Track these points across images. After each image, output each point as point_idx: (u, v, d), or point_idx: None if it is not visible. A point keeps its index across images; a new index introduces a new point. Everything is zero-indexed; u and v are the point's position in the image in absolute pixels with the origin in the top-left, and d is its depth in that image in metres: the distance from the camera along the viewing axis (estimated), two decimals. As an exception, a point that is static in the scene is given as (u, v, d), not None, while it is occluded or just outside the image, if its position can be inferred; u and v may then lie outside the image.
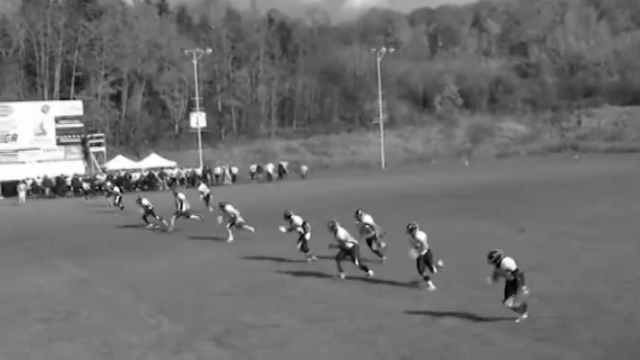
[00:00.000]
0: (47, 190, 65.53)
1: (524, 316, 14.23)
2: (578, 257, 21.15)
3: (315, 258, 21.87)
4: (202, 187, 46.39)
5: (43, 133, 72.52)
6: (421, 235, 17.76)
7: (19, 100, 79.35)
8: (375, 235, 21.63)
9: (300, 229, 22.24)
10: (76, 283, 21.43)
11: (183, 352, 13.71)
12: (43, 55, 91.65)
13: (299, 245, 22.04)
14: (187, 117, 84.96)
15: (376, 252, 21.55)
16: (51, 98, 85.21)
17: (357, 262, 19.35)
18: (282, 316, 15.87)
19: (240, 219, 27.43)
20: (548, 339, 13.14)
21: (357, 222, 21.86)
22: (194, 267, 22.73)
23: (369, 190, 53.27)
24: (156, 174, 69.05)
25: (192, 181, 69.45)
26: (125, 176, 67.84)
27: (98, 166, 72.45)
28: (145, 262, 24.10)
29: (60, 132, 72.92)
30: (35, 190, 65.90)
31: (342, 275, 19.52)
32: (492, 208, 35.32)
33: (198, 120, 79.89)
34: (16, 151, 71.14)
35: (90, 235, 32.95)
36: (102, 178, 67.26)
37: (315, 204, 39.93)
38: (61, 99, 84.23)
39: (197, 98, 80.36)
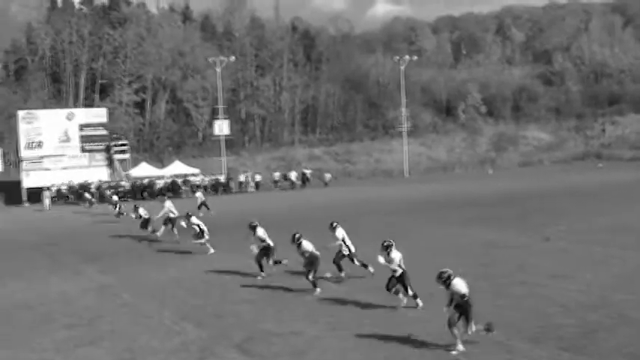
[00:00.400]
0: (71, 197, 65.96)
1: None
2: (602, 266, 21.05)
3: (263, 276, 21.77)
4: (198, 194, 46.75)
5: (68, 140, 72.89)
6: (396, 255, 17.14)
7: (45, 107, 79.87)
8: (347, 253, 21.10)
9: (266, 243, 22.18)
10: (100, 289, 21.55)
11: (206, 359, 13.77)
12: (68, 62, 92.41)
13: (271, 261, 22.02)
14: (211, 124, 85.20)
15: (362, 265, 21.10)
16: (76, 106, 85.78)
17: (310, 277, 19.31)
18: (303, 324, 15.89)
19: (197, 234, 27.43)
20: (572, 348, 13.08)
21: (332, 234, 21.34)
22: (215, 275, 22.79)
23: (393, 198, 53.28)
24: (179, 181, 69.33)
25: (215, 188, 69.76)
26: (149, 183, 68.15)
27: (122, 173, 72.75)
28: (167, 270, 24.20)
29: (84, 139, 73.28)
30: (60, 196, 66.36)
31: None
32: (516, 216, 35.19)
33: (222, 127, 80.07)
34: (42, 157, 71.56)
35: (112, 241, 33.07)
36: (127, 184, 67.77)
37: (337, 211, 39.88)
38: (86, 106, 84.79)
39: (220, 106, 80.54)
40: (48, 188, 64.73)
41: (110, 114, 77.42)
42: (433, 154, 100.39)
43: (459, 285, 13.52)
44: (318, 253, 19.56)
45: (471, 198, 48.62)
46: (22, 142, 71.08)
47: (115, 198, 46.77)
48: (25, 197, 68.51)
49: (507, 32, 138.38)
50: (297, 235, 19.72)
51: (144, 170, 73.47)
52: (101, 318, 17.57)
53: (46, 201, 61.19)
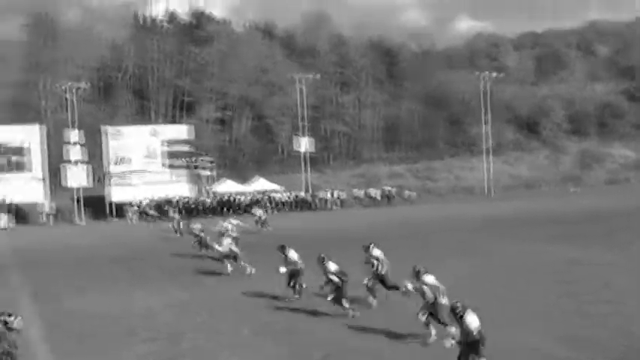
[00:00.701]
0: (155, 212, 67.09)
1: None
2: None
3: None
4: (259, 212, 46.88)
5: (153, 156, 74.18)
6: (428, 281, 16.51)
7: (130, 123, 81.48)
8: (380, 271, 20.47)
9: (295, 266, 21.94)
10: (180, 304, 21.82)
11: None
12: (153, 80, 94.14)
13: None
14: (293, 141, 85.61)
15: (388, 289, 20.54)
16: (160, 122, 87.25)
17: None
18: (379, 340, 15.83)
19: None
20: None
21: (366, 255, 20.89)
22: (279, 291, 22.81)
23: (475, 215, 52.73)
24: (259, 197, 69.98)
25: (300, 205, 70.30)
26: (230, 199, 68.95)
27: (207, 190, 73.79)
28: (240, 286, 24.36)
29: (169, 155, 74.49)
30: (144, 211, 67.62)
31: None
32: (602, 234, 34.51)
33: (305, 144, 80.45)
34: (127, 173, 72.97)
35: (191, 258, 33.38)
36: (208, 201, 68.73)
37: (414, 228, 39.64)
38: (170, 123, 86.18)
39: (302, 123, 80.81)
40: (131, 204, 66.14)
41: (195, 131, 78.48)
42: (515, 171, 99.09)
43: (472, 319, 12.91)
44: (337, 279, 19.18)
45: (555, 215, 47.87)
46: (108, 157, 72.76)
47: (177, 215, 47.39)
48: (110, 212, 70.11)
49: (590, 48, 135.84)
50: (321, 256, 19.59)
51: (227, 186, 74.32)
52: (182, 334, 17.77)
53: (131, 216, 62.46)
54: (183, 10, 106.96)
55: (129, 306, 21.81)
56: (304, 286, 21.77)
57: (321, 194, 74.09)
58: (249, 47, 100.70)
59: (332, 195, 73.91)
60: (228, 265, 27.18)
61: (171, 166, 74.33)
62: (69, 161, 71.41)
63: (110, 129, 73.99)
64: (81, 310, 22.27)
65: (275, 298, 21.64)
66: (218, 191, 73.06)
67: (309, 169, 79.87)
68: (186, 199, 69.64)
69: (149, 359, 15.54)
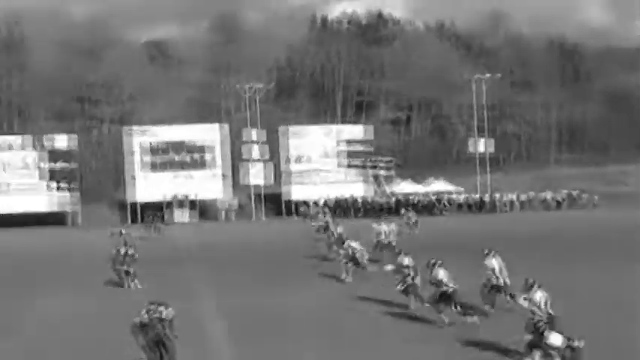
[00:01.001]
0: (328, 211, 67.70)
1: None
2: None
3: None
4: (410, 213, 45.67)
5: (331, 155, 74.86)
6: (539, 296, 14.85)
7: (308, 123, 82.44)
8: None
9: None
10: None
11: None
12: (331, 80, 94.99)
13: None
14: (469, 142, 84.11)
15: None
16: (338, 122, 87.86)
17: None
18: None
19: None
20: None
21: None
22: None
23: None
24: (434, 199, 69.37)
25: (479, 206, 69.11)
26: (406, 200, 68.59)
27: (387, 190, 73.77)
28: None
29: (347, 155, 74.98)
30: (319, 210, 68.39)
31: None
32: None
33: (483, 145, 78.95)
34: (304, 172, 73.92)
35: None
36: (385, 200, 68.71)
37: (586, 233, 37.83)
38: (348, 123, 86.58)
39: (480, 124, 79.48)
40: (305, 203, 67.05)
41: (373, 131, 78.52)
42: None
43: (555, 338, 12.57)
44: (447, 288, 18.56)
45: None
46: (287, 156, 74.02)
47: (325, 217, 47.00)
48: (288, 210, 71.41)
49: None
50: (432, 261, 18.99)
51: (405, 187, 74.00)
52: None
53: (306, 213, 63.52)
54: (362, 11, 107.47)
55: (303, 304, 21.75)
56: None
57: (498, 196, 72.45)
58: (427, 47, 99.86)
59: (510, 197, 72.14)
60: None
61: (348, 166, 74.73)
62: (249, 159, 73.08)
63: (289, 128, 75.18)
64: (260, 306, 22.47)
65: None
66: (395, 191, 72.87)
67: (487, 170, 78.24)
68: (363, 199, 69.86)
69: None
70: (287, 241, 44.19)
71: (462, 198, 70.95)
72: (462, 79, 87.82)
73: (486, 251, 20.60)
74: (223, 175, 72.75)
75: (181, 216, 69.62)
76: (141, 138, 72.38)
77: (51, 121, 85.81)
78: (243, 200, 73.73)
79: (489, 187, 76.84)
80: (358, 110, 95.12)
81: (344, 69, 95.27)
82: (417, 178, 76.70)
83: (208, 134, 73.57)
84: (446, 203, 68.80)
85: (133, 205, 69.60)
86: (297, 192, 72.47)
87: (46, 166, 70.81)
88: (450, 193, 72.29)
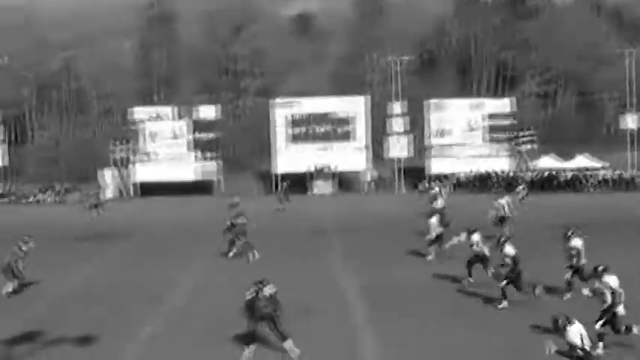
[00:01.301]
0: (473, 186, 66.84)
1: None
2: None
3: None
4: (519, 188, 44.33)
5: (473, 129, 73.87)
6: (609, 280, 14.77)
7: (452, 97, 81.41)
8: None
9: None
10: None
11: None
12: (475, 53, 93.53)
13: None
14: (620, 118, 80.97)
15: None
16: (481, 96, 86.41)
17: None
18: None
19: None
20: None
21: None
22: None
23: None
24: (580, 175, 67.30)
25: (627, 184, 66.52)
26: (549, 176, 66.93)
27: (529, 164, 72.23)
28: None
29: (490, 129, 73.77)
30: (460, 185, 67.63)
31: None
32: None
33: (632, 121, 75.94)
34: (447, 146, 73.29)
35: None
36: (529, 175, 67.21)
37: None
38: (492, 97, 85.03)
39: (630, 99, 76.44)
40: (446, 176, 66.51)
41: (517, 105, 76.91)
42: None
43: (574, 334, 12.32)
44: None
45: None
46: (430, 130, 73.45)
47: (436, 189, 45.82)
48: (429, 183, 70.82)
49: None
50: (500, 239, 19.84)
51: (547, 162, 72.20)
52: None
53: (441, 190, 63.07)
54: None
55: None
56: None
57: (650, 174, 69.47)
58: (575, 20, 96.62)
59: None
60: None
61: (491, 140, 73.53)
62: (392, 133, 72.94)
63: (432, 102, 74.51)
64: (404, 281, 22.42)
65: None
66: (538, 166, 71.20)
67: (629, 146, 75.24)
68: (506, 174, 68.57)
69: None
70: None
71: (607, 174, 68.33)
72: (612, 52, 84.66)
73: (569, 232, 20.34)
74: (365, 148, 72.98)
75: (322, 187, 70.30)
76: (285, 110, 73.51)
77: (198, 92, 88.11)
78: (384, 173, 73.76)
79: (637, 164, 74.00)
80: (503, 84, 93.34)
81: (489, 42, 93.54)
82: (561, 154, 74.48)
83: (352, 106, 74.01)
84: (590, 180, 66.55)
85: (276, 176, 70.60)
86: (437, 165, 71.97)
87: (193, 136, 72.93)
88: (595, 169, 69.86)
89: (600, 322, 14.40)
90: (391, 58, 76.45)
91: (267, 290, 15.20)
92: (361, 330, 17.31)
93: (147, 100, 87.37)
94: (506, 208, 32.01)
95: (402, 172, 72.04)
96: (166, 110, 74.60)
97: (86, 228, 42.16)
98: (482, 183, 67.17)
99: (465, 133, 73.77)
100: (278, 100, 74.96)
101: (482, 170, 69.20)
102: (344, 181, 73.05)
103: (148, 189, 70.99)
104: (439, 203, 34.11)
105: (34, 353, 16.06)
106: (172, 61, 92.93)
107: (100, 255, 30.87)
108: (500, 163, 71.57)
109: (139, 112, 74.37)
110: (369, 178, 72.12)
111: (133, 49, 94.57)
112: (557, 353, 13.46)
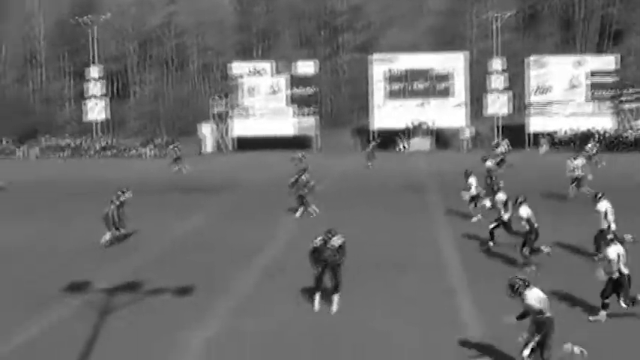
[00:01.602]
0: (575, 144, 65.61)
1: None
2: None
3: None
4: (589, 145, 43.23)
5: (575, 86, 72.22)
6: (614, 250, 14.28)
7: (554, 53, 79.63)
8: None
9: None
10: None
11: None
12: (579, 8, 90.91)
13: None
14: None
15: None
16: (585, 52, 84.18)
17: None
18: None
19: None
20: None
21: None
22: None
23: None
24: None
25: None
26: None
27: (632, 123, 70.32)
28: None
29: (593, 87, 72.00)
30: (561, 143, 66.57)
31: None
32: None
33: None
34: (548, 104, 71.92)
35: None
36: (632, 134, 65.58)
37: None
38: (596, 53, 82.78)
39: None
40: (543, 135, 65.48)
41: (621, 61, 74.75)
42: None
43: (533, 297, 11.16)
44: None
45: None
46: (530, 87, 72.13)
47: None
48: (528, 141, 69.84)
49: None
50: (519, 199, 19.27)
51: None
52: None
53: (543, 147, 61.89)
54: None
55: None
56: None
57: None
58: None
59: None
60: None
61: (594, 98, 71.77)
62: (490, 89, 71.99)
63: (533, 58, 73.04)
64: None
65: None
66: (640, 125, 69.37)
67: None
68: (606, 133, 66.91)
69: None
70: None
71: None
72: None
73: (599, 195, 19.90)
74: (464, 104, 72.25)
75: (420, 144, 70.00)
76: (383, 65, 73.19)
77: (296, 47, 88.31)
78: (483, 131, 72.93)
79: None
80: (607, 40, 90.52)
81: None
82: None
83: (451, 62, 73.31)
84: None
85: (373, 132, 70.50)
86: (537, 123, 70.73)
87: (291, 91, 73.32)
88: None
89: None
90: (491, 14, 75.25)
91: (336, 240, 15.48)
92: (458, 291, 17.26)
93: (246, 55, 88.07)
94: (581, 169, 31.49)
95: (501, 129, 71.05)
96: (265, 65, 75.13)
97: (187, 181, 43.12)
98: (583, 142, 65.70)
99: (566, 91, 72.19)
100: (376, 56, 74.64)
101: (584, 129, 67.60)
102: (441, 138, 72.57)
103: (246, 143, 71.87)
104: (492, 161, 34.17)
105: (136, 302, 16.54)
106: (271, 16, 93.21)
107: (200, 208, 31.48)
108: (602, 122, 69.80)
109: (238, 67, 75.12)
110: (467, 135, 71.41)
111: (232, 4, 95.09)
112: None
